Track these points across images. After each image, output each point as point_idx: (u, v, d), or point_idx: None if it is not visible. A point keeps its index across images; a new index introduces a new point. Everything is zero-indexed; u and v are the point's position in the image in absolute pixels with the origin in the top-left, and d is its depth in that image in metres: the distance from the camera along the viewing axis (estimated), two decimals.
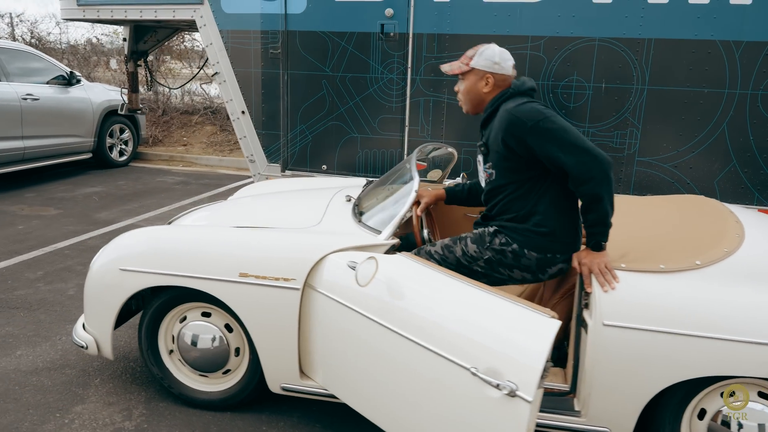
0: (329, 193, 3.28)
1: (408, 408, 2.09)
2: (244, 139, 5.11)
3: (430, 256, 2.49)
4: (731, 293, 2.22)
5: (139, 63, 6.66)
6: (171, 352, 2.88)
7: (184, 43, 11.97)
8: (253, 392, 2.79)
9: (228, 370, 2.82)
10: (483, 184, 2.61)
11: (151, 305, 2.80)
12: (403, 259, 2.29)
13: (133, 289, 2.72)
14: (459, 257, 2.47)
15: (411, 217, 2.85)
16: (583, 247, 2.42)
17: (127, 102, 6.90)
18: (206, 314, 2.78)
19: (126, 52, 6.55)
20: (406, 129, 4.66)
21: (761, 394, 2.24)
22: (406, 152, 4.69)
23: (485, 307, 1.95)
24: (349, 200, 3.04)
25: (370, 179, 3.72)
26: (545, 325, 1.81)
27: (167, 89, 10.44)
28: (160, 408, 2.86)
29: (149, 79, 7.09)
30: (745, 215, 2.74)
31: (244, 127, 5.08)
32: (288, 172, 5.03)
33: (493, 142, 2.41)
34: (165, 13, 5.19)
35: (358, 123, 4.76)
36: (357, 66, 4.66)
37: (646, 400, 2.24)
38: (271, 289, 2.52)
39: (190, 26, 6.31)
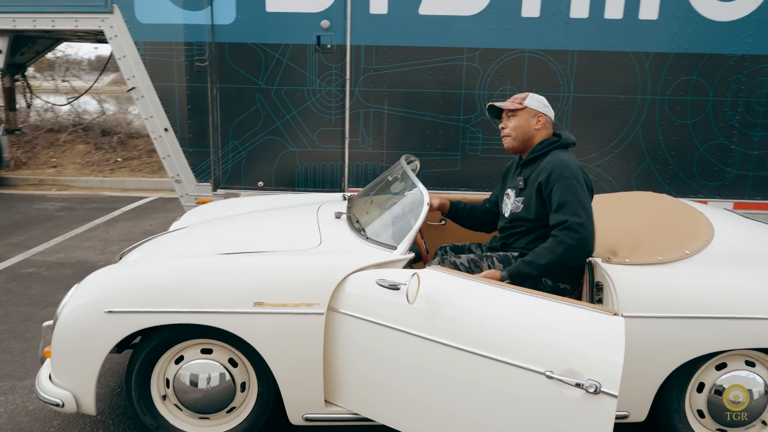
0: (308, 211, 3.19)
1: (473, 422, 2.10)
2: (169, 158, 4.75)
3: (455, 268, 2.52)
4: (719, 276, 2.51)
5: (16, 77, 5.93)
6: (164, 397, 2.61)
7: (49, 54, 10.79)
8: (260, 426, 2.62)
9: (233, 408, 2.62)
10: (506, 213, 2.79)
11: (142, 348, 2.52)
12: (441, 273, 2.29)
13: (123, 334, 2.44)
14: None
15: None
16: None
17: (4, 121, 6.10)
18: (205, 350, 2.56)
19: (1, 66, 5.79)
20: (347, 141, 4.63)
21: (748, 363, 2.55)
22: (347, 165, 4.66)
23: (546, 311, 2.03)
24: (339, 216, 2.97)
25: (347, 194, 3.65)
26: (611, 323, 1.92)
27: (50, 105, 9.37)
28: None
29: (28, 94, 6.33)
30: (698, 206, 3.09)
31: (167, 145, 4.72)
32: (220, 191, 4.76)
33: (533, 181, 2.62)
34: (65, 23, 4.68)
35: (296, 137, 4.64)
36: (293, 78, 4.54)
37: (661, 381, 2.46)
38: (291, 316, 2.39)
39: (81, 36, 5.74)
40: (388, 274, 2.36)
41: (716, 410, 2.52)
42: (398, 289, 2.28)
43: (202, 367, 2.55)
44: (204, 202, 4.79)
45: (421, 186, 2.66)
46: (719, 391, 2.55)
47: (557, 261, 2.42)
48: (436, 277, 2.28)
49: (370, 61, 4.49)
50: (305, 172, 4.71)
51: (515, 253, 2.65)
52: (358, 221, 2.84)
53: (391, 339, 2.27)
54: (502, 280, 2.45)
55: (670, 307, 2.38)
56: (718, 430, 2.58)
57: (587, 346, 1.91)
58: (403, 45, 4.46)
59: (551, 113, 2.78)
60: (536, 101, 2.74)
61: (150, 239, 3.30)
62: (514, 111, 2.73)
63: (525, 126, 2.71)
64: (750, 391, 2.51)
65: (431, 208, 2.74)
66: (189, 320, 2.41)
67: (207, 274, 2.45)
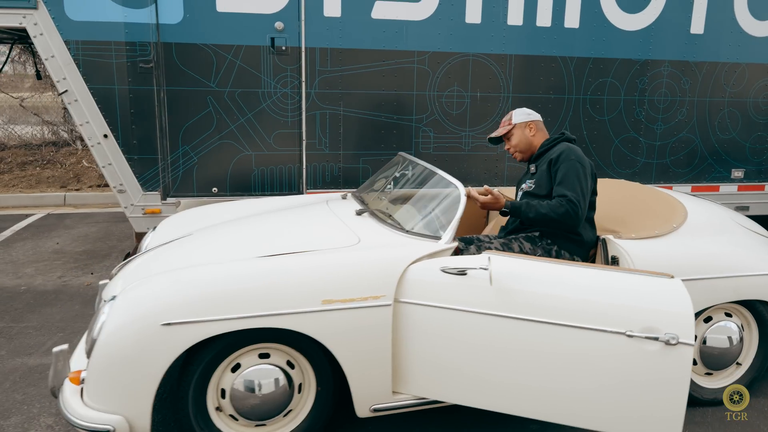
0: (321, 211, 3.22)
1: (554, 387, 2.31)
2: (110, 166, 4.39)
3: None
4: (702, 244, 2.99)
5: None
6: (218, 409, 2.51)
7: None
8: (319, 427, 2.62)
9: (289, 411, 2.59)
10: (519, 195, 3.12)
11: (199, 360, 2.40)
12: (502, 256, 2.48)
13: (185, 346, 2.32)
14: (517, 252, 2.78)
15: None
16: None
17: None
18: (262, 355, 2.51)
19: None
20: (304, 143, 4.63)
21: (727, 314, 3.06)
22: (304, 166, 4.66)
23: (613, 280, 2.31)
24: (361, 214, 3.03)
25: (344, 193, 3.66)
26: (673, 283, 2.26)
27: None
28: None
29: None
30: (664, 191, 3.61)
31: (107, 152, 4.36)
32: (171, 200, 4.51)
33: (544, 162, 3.00)
34: None
35: (251, 140, 4.54)
36: (247, 80, 4.44)
37: None
38: (360, 311, 2.44)
39: None
40: (450, 261, 2.50)
41: (709, 357, 3.00)
42: (466, 274, 2.44)
43: (260, 372, 2.49)
44: (152, 212, 4.51)
45: (453, 179, 2.83)
46: (704, 341, 3.03)
47: (551, 218, 2.79)
48: (499, 260, 2.47)
49: (325, 63, 4.54)
50: (262, 176, 4.63)
51: (536, 233, 2.93)
52: (390, 216, 2.93)
53: (464, 321, 2.41)
54: (503, 208, 2.86)
55: (673, 272, 2.79)
56: (706, 373, 3.06)
57: (659, 305, 2.23)
58: (356, 48, 4.56)
59: (537, 116, 3.20)
60: (520, 115, 3.18)
61: (149, 251, 3.10)
62: (508, 133, 3.16)
63: (523, 138, 3.15)
64: (729, 338, 3.02)
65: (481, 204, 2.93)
66: (255, 324, 2.36)
67: (270, 276, 2.41)
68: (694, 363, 3.03)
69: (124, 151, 4.39)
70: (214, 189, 4.57)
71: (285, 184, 4.68)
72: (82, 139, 9.38)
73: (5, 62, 6.49)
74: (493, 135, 3.23)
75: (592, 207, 3.01)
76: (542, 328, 2.32)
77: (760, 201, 5.54)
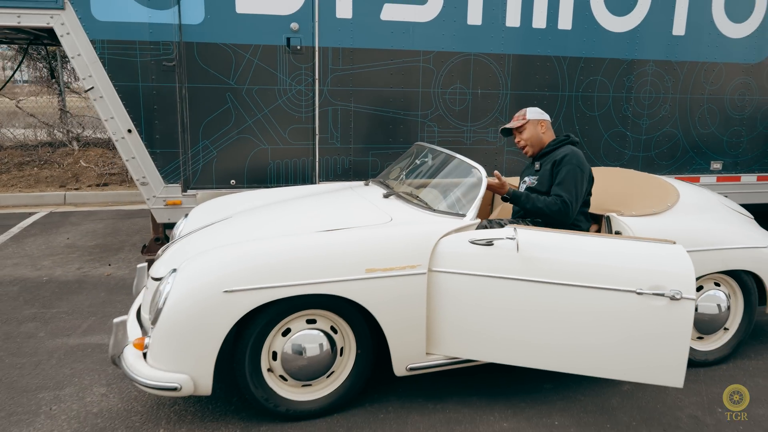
0: (350, 195, 3.50)
1: (574, 342, 2.63)
2: (133, 160, 4.60)
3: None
4: (693, 221, 3.34)
5: None
6: (269, 370, 2.77)
7: None
8: (358, 387, 2.89)
9: (332, 373, 2.86)
10: (522, 189, 3.42)
11: (255, 324, 2.66)
12: (525, 228, 2.79)
13: (244, 311, 2.57)
14: None
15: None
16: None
17: None
18: (309, 321, 2.77)
19: None
20: (317, 137, 4.89)
21: (716, 284, 3.41)
22: (317, 159, 4.92)
23: (624, 246, 2.63)
24: (389, 196, 3.32)
25: (366, 181, 3.94)
26: (676, 248, 2.59)
27: None
28: (267, 431, 2.73)
29: None
30: (657, 176, 3.96)
31: (131, 147, 4.58)
32: (191, 192, 4.73)
33: (548, 162, 3.32)
34: (3, 18, 4.31)
35: (267, 134, 4.79)
36: (264, 78, 4.70)
37: None
38: (399, 278, 2.72)
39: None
40: (478, 234, 2.80)
41: (701, 323, 3.34)
42: (493, 244, 2.74)
43: (307, 337, 2.76)
44: (173, 204, 4.74)
45: (474, 163, 3.13)
46: (696, 308, 3.37)
47: (544, 212, 3.14)
48: (523, 232, 2.77)
49: (337, 62, 4.82)
50: (277, 169, 4.88)
51: (539, 219, 3.24)
52: (417, 197, 3.22)
53: (491, 286, 2.71)
54: (505, 194, 3.22)
55: None
56: (698, 337, 3.41)
57: (664, 266, 2.55)
58: (366, 47, 4.85)
59: (548, 117, 3.51)
60: (533, 113, 3.46)
61: (191, 233, 3.34)
62: (521, 126, 3.43)
63: (534, 134, 3.44)
64: (718, 305, 3.37)
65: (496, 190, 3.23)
66: (306, 291, 2.62)
67: (318, 248, 2.68)
68: None
69: (147, 146, 4.61)
70: (232, 181, 4.81)
71: (299, 176, 4.93)
72: (78, 140, 9.49)
73: (17, 68, 6.64)
74: (507, 126, 3.52)
75: (587, 204, 3.36)
76: (563, 290, 2.63)
77: (737, 191, 5.96)
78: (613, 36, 5.34)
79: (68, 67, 9.48)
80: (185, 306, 2.54)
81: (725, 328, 3.46)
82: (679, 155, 5.76)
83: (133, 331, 2.87)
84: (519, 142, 3.49)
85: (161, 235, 5.19)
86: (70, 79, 9.58)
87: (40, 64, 9.44)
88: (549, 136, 3.46)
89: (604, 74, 5.41)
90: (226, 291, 2.55)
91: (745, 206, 4.90)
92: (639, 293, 2.55)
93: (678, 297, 2.51)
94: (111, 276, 4.94)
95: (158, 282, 2.92)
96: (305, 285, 2.62)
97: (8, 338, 3.69)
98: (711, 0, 5.48)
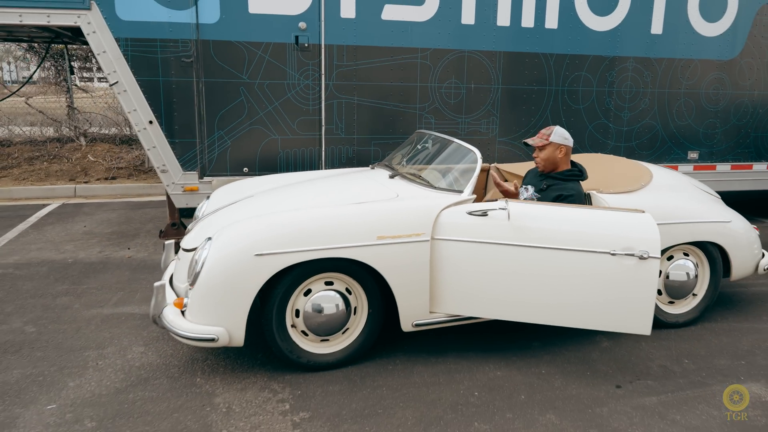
0: (359, 176, 3.90)
1: (558, 298, 3.04)
2: (154, 149, 4.97)
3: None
4: (665, 198, 3.76)
5: None
6: (292, 326, 3.16)
7: None
8: (369, 343, 3.29)
9: (347, 329, 3.25)
10: (524, 194, 3.63)
11: (281, 285, 3.05)
12: (514, 202, 3.20)
13: (272, 272, 2.96)
14: None
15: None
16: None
17: None
18: (327, 283, 3.17)
19: None
20: (323, 128, 5.29)
21: (684, 254, 3.83)
22: (323, 149, 5.31)
23: (600, 215, 3.05)
24: (394, 177, 3.71)
25: (372, 165, 4.34)
26: (645, 216, 3.01)
27: None
28: (290, 379, 3.12)
29: None
30: (633, 160, 4.38)
31: (152, 137, 4.95)
32: (207, 179, 5.11)
33: (554, 191, 3.49)
34: (35, 18, 4.66)
35: (277, 125, 5.18)
36: (274, 73, 5.09)
37: None
38: (405, 245, 3.12)
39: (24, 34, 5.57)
40: (474, 206, 3.20)
41: (672, 289, 3.76)
42: (487, 215, 3.15)
43: (325, 297, 3.15)
44: (191, 190, 5.11)
45: (470, 146, 3.54)
46: (668, 276, 3.79)
47: None
48: (514, 204, 3.18)
49: (341, 58, 5.21)
50: (286, 157, 5.27)
51: None
52: (420, 177, 3.62)
53: (486, 251, 3.12)
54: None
55: None
56: (669, 302, 3.83)
57: (634, 232, 2.97)
58: (368, 45, 5.25)
59: (571, 143, 3.58)
60: (558, 136, 3.53)
61: (215, 211, 3.72)
62: (543, 146, 3.56)
63: (552, 157, 3.54)
64: (687, 273, 3.80)
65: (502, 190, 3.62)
66: (325, 255, 3.02)
67: (338, 218, 3.07)
68: (660, 293, 3.80)
69: (167, 136, 4.98)
70: (245, 169, 5.19)
71: (306, 165, 5.32)
72: (85, 136, 9.82)
73: (37, 68, 6.98)
74: (528, 141, 3.61)
75: None
76: (548, 253, 3.04)
77: (712, 179, 6.40)
78: (596, 34, 5.77)
79: (76, 66, 9.80)
80: (221, 268, 2.93)
81: (694, 294, 3.89)
82: (659, 145, 6.20)
83: (170, 295, 3.26)
84: (536, 157, 3.60)
85: (177, 220, 5.58)
86: (89, 75, 9.89)
87: (48, 63, 9.75)
88: (565, 162, 3.56)
89: (588, 70, 5.83)
90: (256, 254, 2.94)
91: (721, 193, 5.33)
92: (613, 254, 2.96)
93: (645, 256, 2.92)
94: (131, 258, 5.30)
95: (191, 252, 3.31)
96: (325, 249, 3.01)
97: (47, 309, 4.05)
98: (686, 1, 5.92)
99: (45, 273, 4.84)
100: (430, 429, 2.71)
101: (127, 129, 10.42)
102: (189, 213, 6.56)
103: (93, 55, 10.14)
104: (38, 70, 9.77)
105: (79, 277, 4.75)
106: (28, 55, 9.83)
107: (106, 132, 10.16)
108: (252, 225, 3.03)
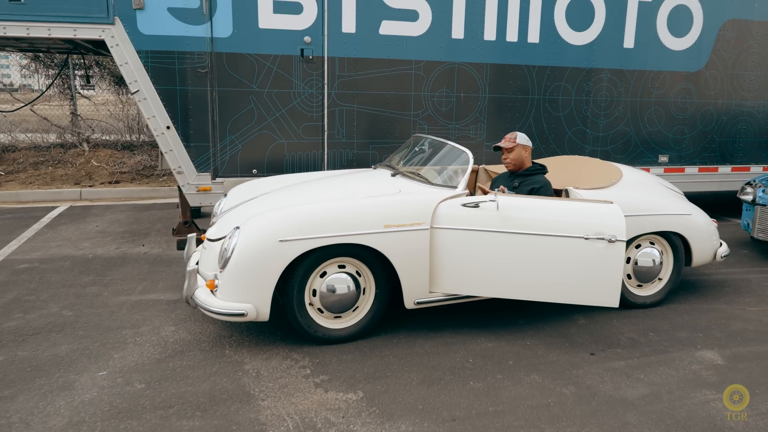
0: (362, 175, 4.36)
1: (540, 277, 3.53)
2: (171, 152, 5.41)
3: None
4: (633, 193, 4.28)
5: None
6: (310, 304, 3.61)
7: None
8: (376, 320, 3.75)
9: (357, 308, 3.71)
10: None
11: (301, 267, 3.50)
12: (502, 195, 3.69)
13: (294, 255, 3.42)
14: None
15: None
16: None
17: None
18: (340, 266, 3.63)
19: None
20: (325, 133, 5.76)
21: (650, 243, 4.36)
22: (326, 152, 5.78)
23: (575, 206, 3.55)
24: (395, 175, 4.19)
25: (374, 166, 4.81)
26: (613, 206, 3.52)
27: None
28: (308, 351, 3.57)
29: None
30: (605, 161, 4.90)
31: (169, 141, 5.38)
32: (219, 179, 5.55)
33: (526, 186, 4.04)
34: (62, 32, 5.09)
35: (284, 131, 5.64)
36: (281, 83, 5.55)
37: None
38: (408, 232, 3.59)
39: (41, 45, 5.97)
40: (468, 199, 3.69)
41: (639, 274, 4.28)
42: (479, 206, 3.64)
43: (338, 279, 3.61)
44: (204, 190, 5.55)
45: (462, 147, 4.03)
46: (636, 262, 4.31)
47: None
48: (502, 197, 3.67)
49: (342, 69, 5.69)
50: (292, 160, 5.73)
51: None
52: (419, 175, 4.10)
53: (478, 238, 3.60)
54: None
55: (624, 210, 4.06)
56: (637, 285, 4.35)
57: (605, 219, 3.48)
58: (367, 57, 5.74)
59: (531, 144, 4.22)
60: (523, 138, 4.16)
61: (234, 207, 4.17)
62: (511, 148, 4.14)
63: (519, 156, 4.14)
64: (653, 260, 4.32)
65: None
66: (339, 241, 3.48)
67: (350, 210, 3.54)
68: (629, 278, 4.31)
69: (183, 140, 5.42)
70: (254, 170, 5.64)
71: (310, 167, 5.79)
72: (89, 141, 10.18)
73: (54, 80, 7.36)
74: (500, 145, 4.20)
75: None
76: (532, 238, 3.53)
77: (681, 181, 6.97)
78: (574, 48, 6.32)
79: (79, 74, 10.18)
80: (250, 252, 3.38)
81: (659, 278, 4.40)
82: (632, 149, 6.76)
83: (199, 279, 3.69)
84: (506, 158, 4.16)
85: (189, 219, 6.00)
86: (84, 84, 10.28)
87: (52, 71, 10.12)
88: (528, 161, 4.17)
89: (567, 80, 6.37)
90: (281, 240, 3.39)
91: (689, 194, 5.89)
92: (586, 238, 3.47)
93: (614, 240, 3.43)
94: (147, 254, 5.71)
95: (216, 242, 3.76)
96: (339, 236, 3.47)
97: (79, 297, 4.46)
98: (656, 17, 6.50)
99: (69, 266, 5.23)
100: (433, 387, 3.18)
101: (128, 135, 10.80)
102: (195, 214, 6.99)
103: (97, 64, 10.55)
104: (42, 79, 10.14)
105: (102, 269, 5.16)
106: (33, 64, 10.17)
107: (108, 138, 10.53)
108: (276, 215, 3.49)
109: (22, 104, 9.38)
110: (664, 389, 3.20)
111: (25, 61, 10.43)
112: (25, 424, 2.80)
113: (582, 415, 2.94)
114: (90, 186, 9.15)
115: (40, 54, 9.66)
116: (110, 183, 9.28)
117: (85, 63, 7.35)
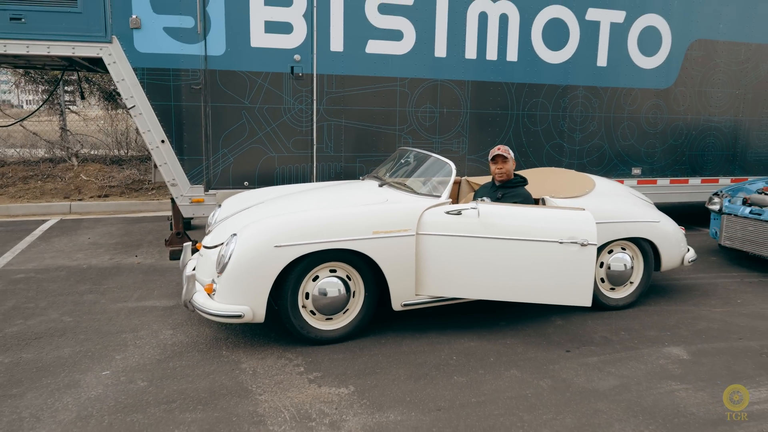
0: (352, 185, 4.60)
1: (518, 279, 3.78)
2: (165, 165, 5.60)
3: None
4: (605, 202, 4.57)
5: None
6: (303, 306, 3.82)
7: None
8: (365, 321, 3.97)
9: (347, 310, 3.93)
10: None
11: (295, 272, 3.72)
12: (483, 204, 3.95)
13: (288, 260, 3.64)
14: None
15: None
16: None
17: None
18: (332, 270, 3.85)
19: None
20: (314, 147, 6.00)
21: (622, 248, 4.64)
22: (315, 165, 6.02)
23: (550, 213, 3.82)
24: (383, 185, 4.44)
25: (362, 177, 5.05)
26: (584, 213, 3.79)
27: None
28: (301, 351, 3.78)
29: None
30: (579, 172, 5.20)
31: (164, 154, 5.58)
32: (212, 191, 5.76)
33: (510, 197, 4.30)
34: (60, 50, 5.29)
35: (275, 144, 5.87)
36: (272, 99, 5.80)
37: None
38: (395, 238, 3.83)
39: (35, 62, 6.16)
40: (451, 207, 3.95)
41: (612, 277, 4.56)
42: (461, 214, 3.89)
43: (329, 283, 3.83)
44: (197, 201, 5.75)
45: (445, 159, 4.30)
46: (609, 267, 4.59)
47: None
48: (483, 205, 3.93)
49: (331, 86, 5.96)
50: (282, 172, 5.95)
51: None
52: (405, 185, 4.35)
53: (460, 243, 3.85)
54: None
55: (597, 217, 4.34)
56: (610, 288, 4.62)
57: (577, 225, 3.75)
58: (354, 74, 6.01)
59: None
60: (511, 154, 4.43)
61: (229, 216, 4.38)
62: (507, 159, 4.39)
63: (511, 168, 4.42)
64: (624, 264, 4.60)
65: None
66: (331, 246, 3.70)
67: (341, 217, 3.77)
68: (603, 281, 4.58)
69: (177, 153, 5.62)
70: (246, 183, 5.85)
71: (300, 179, 6.02)
72: (77, 156, 10.32)
73: (49, 96, 7.53)
74: (502, 153, 4.36)
75: None
76: (510, 243, 3.79)
77: (653, 192, 7.31)
78: (551, 66, 6.66)
79: (68, 90, 10.34)
80: (247, 257, 3.59)
81: (631, 282, 4.68)
82: (606, 162, 7.09)
83: (197, 284, 3.89)
84: (501, 169, 4.39)
85: (181, 229, 6.18)
86: (72, 99, 10.43)
87: (42, 87, 10.27)
88: (512, 172, 4.45)
89: (545, 97, 6.70)
90: (276, 246, 3.61)
91: (661, 205, 6.21)
92: (560, 243, 3.74)
93: (586, 243, 3.71)
94: (140, 264, 5.88)
95: (212, 249, 3.97)
96: (330, 242, 3.70)
97: (77, 304, 4.62)
98: (627, 38, 6.87)
99: (65, 276, 5.38)
100: (419, 381, 3.40)
101: (116, 150, 10.95)
102: (186, 226, 7.16)
103: (88, 80, 10.71)
104: (29, 95, 10.28)
105: (97, 279, 5.32)
106: (23, 80, 10.31)
107: (96, 153, 10.66)
108: (271, 222, 3.71)
109: (13, 120, 9.51)
110: (633, 381, 3.46)
111: (4, 77, 10.56)
112: (35, 419, 2.97)
113: (557, 404, 3.18)
114: (79, 200, 9.27)
115: (31, 71, 9.81)
116: (99, 197, 9.42)
117: (79, 78, 7.54)
